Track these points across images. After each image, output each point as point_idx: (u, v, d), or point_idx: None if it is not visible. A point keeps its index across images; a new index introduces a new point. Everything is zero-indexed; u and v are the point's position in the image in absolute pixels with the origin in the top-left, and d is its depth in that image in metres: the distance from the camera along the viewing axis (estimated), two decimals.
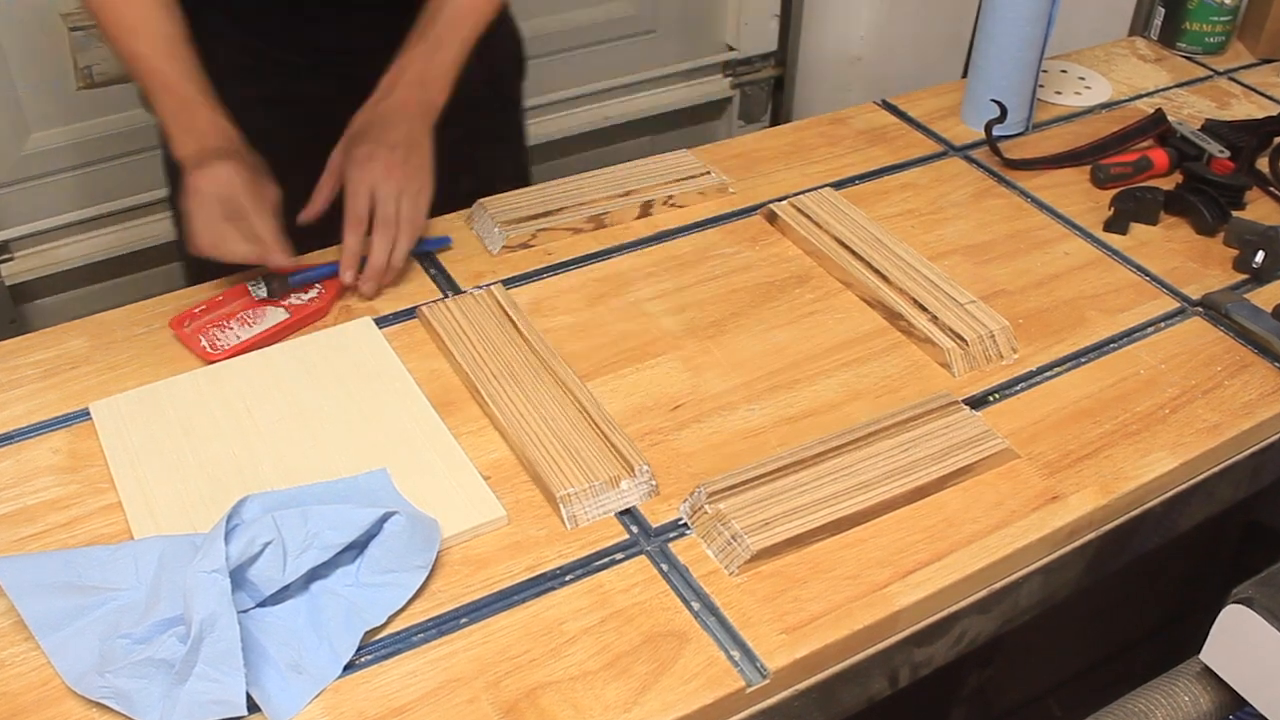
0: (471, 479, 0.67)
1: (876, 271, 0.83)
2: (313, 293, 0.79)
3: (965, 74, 1.07)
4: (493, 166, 0.99)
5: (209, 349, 0.74)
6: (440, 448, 0.68)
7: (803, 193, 0.92)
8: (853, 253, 0.85)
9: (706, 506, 0.64)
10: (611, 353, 0.77)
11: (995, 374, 0.77)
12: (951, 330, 0.78)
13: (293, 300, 0.78)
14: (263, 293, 0.77)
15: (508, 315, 0.77)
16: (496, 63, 0.98)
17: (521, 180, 0.98)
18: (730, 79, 1.81)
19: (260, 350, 0.74)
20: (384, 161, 0.77)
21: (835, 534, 0.65)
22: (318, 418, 0.70)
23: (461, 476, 0.67)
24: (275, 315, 0.77)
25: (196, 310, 0.76)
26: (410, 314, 0.80)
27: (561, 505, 0.65)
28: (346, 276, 0.78)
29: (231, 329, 0.75)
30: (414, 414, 0.71)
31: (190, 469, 0.66)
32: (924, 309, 0.80)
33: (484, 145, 0.98)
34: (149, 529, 0.62)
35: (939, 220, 0.92)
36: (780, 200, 0.92)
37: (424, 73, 0.80)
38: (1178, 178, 0.97)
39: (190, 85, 0.76)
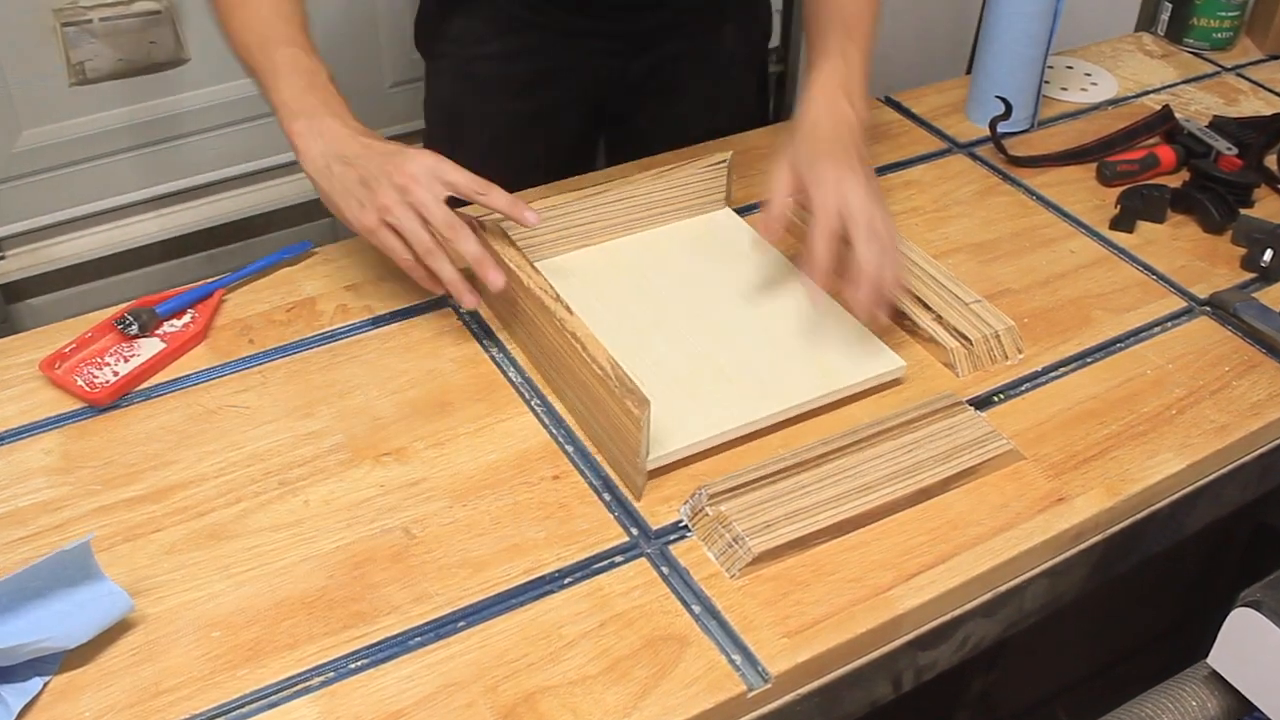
0: (865, 336, 0.75)
1: None
2: (186, 318, 0.77)
3: (969, 70, 1.06)
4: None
5: (87, 388, 0.71)
6: (828, 310, 0.76)
7: None
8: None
9: (708, 508, 0.63)
10: None
11: (1000, 374, 0.76)
12: (956, 330, 0.77)
13: (166, 330, 0.76)
14: (134, 329, 0.75)
15: None
16: (749, 29, 1.04)
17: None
18: None
19: (641, 234, 0.84)
20: (853, 179, 0.72)
21: (838, 536, 0.64)
22: (707, 285, 0.80)
23: (854, 333, 0.75)
24: (152, 346, 0.75)
25: (66, 350, 0.73)
26: (407, 314, 0.80)
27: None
28: (817, 279, 0.72)
29: (108, 365, 0.73)
30: (786, 278, 0.79)
31: (607, 323, 0.73)
32: (928, 308, 0.79)
33: (729, 121, 1.03)
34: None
35: (943, 218, 0.91)
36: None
37: (844, 88, 0.78)
38: (1185, 175, 0.96)
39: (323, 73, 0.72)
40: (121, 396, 0.72)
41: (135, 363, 0.73)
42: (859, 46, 0.80)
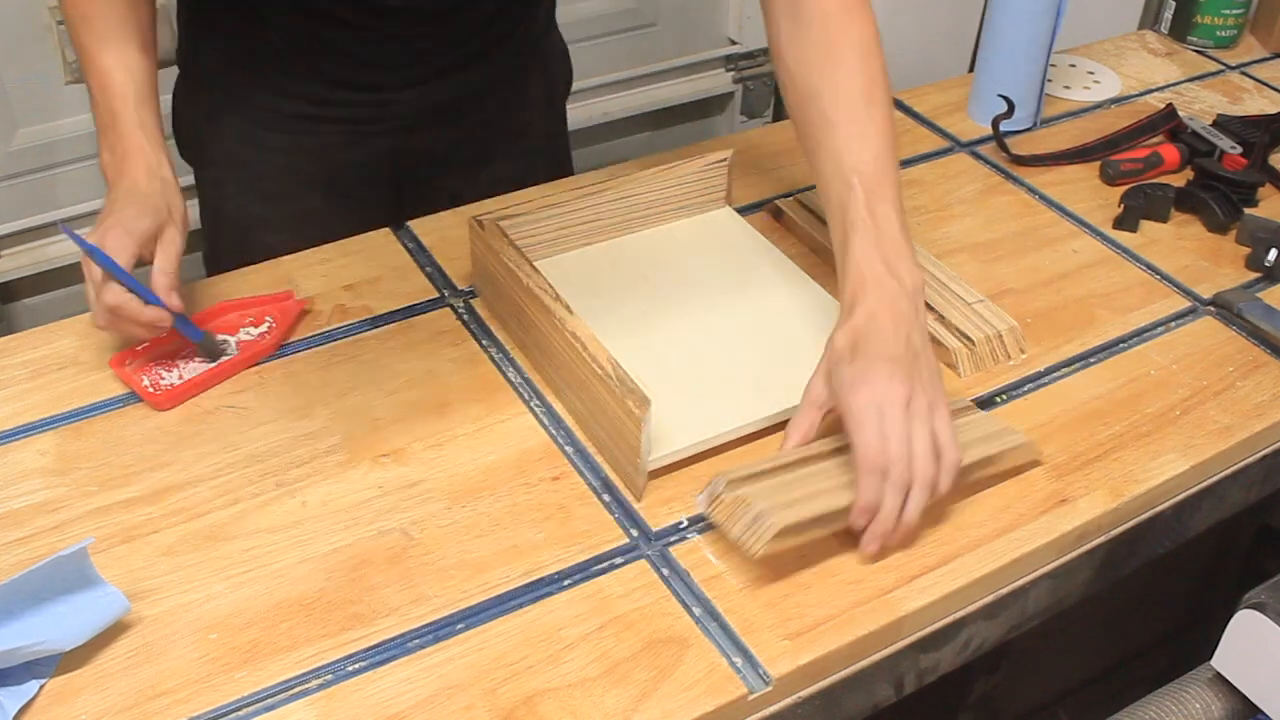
0: None
1: None
2: (264, 327, 0.75)
3: (972, 68, 1.05)
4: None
5: (152, 389, 0.70)
6: (819, 305, 0.76)
7: (809, 189, 0.91)
8: None
9: (725, 495, 0.61)
10: None
11: (1003, 374, 0.76)
12: (958, 330, 0.76)
13: (242, 336, 0.75)
14: (209, 358, 0.73)
15: None
16: (552, 82, 0.96)
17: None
18: (732, 73, 1.80)
19: (641, 233, 0.83)
20: (885, 375, 0.60)
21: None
22: (707, 284, 0.79)
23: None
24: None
25: (139, 348, 0.72)
26: (405, 314, 0.79)
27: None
28: (860, 523, 0.61)
29: (176, 368, 0.72)
30: (787, 278, 0.79)
31: (607, 323, 0.72)
32: (931, 308, 0.78)
33: (538, 173, 0.94)
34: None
35: (945, 217, 0.91)
36: (786, 196, 0.90)
37: (886, 260, 0.64)
38: (1189, 174, 0.96)
39: (131, 104, 0.73)
40: (182, 402, 0.70)
41: (205, 368, 0.72)
42: (890, 179, 0.66)
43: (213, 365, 0.72)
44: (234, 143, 0.86)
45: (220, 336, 0.74)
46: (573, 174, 1.01)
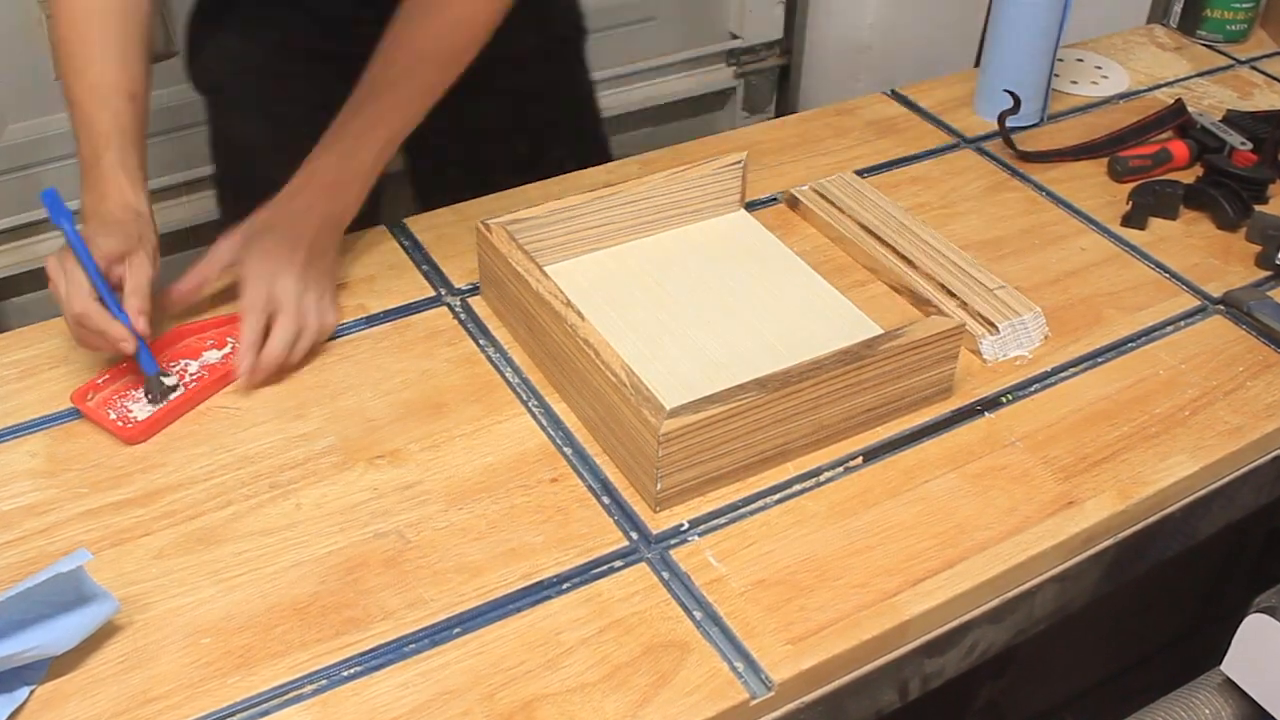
0: (873, 331, 0.73)
1: (903, 257, 0.81)
2: (226, 349, 0.74)
3: (978, 63, 1.05)
4: (551, 129, 0.99)
5: (121, 424, 0.67)
6: (839, 310, 0.76)
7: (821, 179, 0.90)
8: (878, 238, 0.83)
9: None
10: None
11: (1009, 374, 0.75)
12: (981, 316, 0.76)
13: (205, 360, 0.73)
14: (153, 397, 0.70)
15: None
16: (552, 26, 0.97)
17: (586, 140, 1.01)
18: (734, 68, 1.79)
19: (654, 237, 0.82)
20: (286, 259, 0.73)
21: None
22: (722, 289, 0.78)
23: (863, 331, 0.73)
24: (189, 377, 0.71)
25: (99, 381, 0.70)
26: (401, 313, 0.78)
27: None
28: (245, 364, 0.71)
29: (142, 398, 0.70)
30: (804, 282, 0.79)
31: (620, 329, 0.72)
32: (952, 294, 0.78)
33: (535, 106, 0.97)
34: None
35: (950, 214, 0.90)
36: (800, 187, 0.89)
37: (337, 181, 0.76)
38: (1198, 171, 0.95)
39: (112, 145, 0.73)
40: (157, 433, 0.68)
41: (173, 395, 0.70)
42: (380, 136, 0.76)
43: (180, 393, 0.70)
44: (241, 66, 0.89)
45: (179, 364, 0.73)
46: (596, 117, 1.04)
